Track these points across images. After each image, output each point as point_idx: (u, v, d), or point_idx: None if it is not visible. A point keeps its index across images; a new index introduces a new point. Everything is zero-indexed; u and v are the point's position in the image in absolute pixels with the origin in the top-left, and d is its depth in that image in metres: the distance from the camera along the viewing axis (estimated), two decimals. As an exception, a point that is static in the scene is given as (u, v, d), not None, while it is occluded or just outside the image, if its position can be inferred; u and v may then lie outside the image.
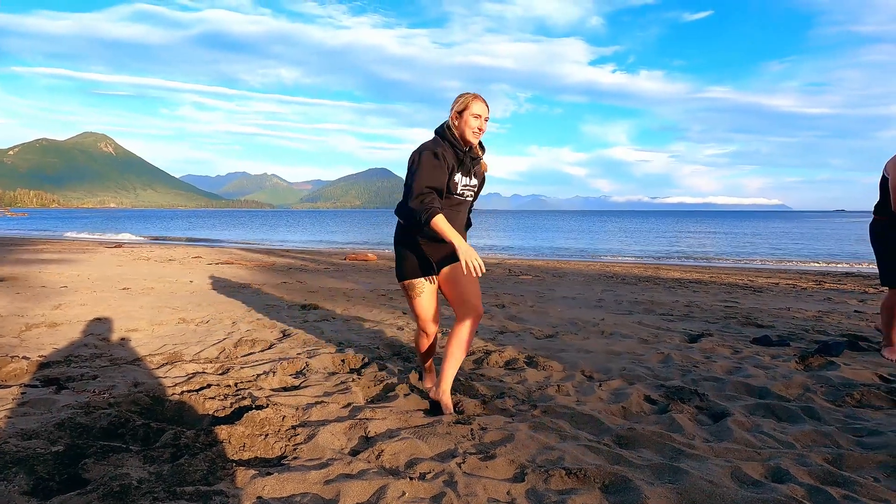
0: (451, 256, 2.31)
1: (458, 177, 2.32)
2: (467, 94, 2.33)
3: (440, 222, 2.10)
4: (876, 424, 2.19)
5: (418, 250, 2.34)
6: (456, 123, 2.32)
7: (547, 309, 5.44)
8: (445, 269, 2.37)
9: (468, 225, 2.53)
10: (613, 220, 78.54)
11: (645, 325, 4.59)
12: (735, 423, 2.18)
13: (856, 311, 5.71)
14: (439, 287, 2.42)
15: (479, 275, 2.09)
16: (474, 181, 2.41)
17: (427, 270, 2.36)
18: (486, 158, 2.47)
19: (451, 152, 2.30)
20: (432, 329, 2.50)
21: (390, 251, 17.99)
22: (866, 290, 8.47)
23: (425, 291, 2.39)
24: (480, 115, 2.29)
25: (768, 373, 2.98)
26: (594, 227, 47.21)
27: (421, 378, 2.77)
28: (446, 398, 2.33)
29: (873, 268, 14.10)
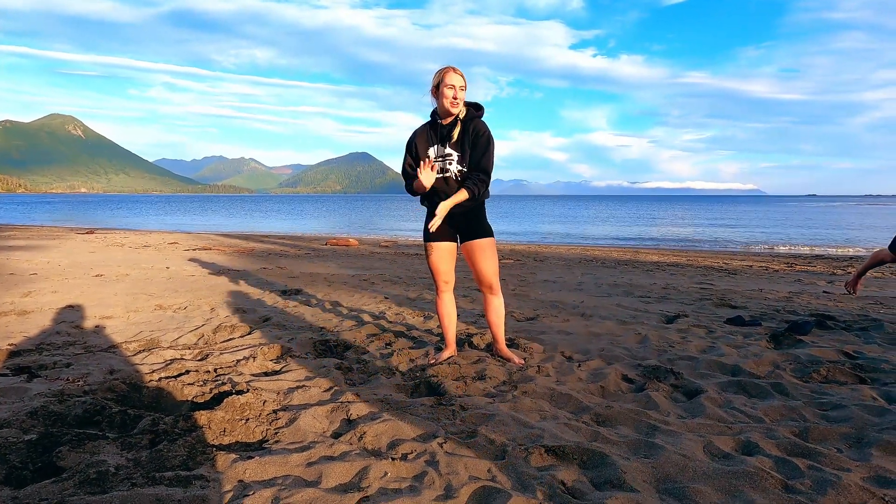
0: (458, 231, 2.73)
1: (431, 151, 2.63)
2: (441, 68, 2.54)
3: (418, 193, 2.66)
4: (840, 399, 2.28)
5: (428, 220, 2.65)
6: (435, 98, 2.57)
7: (528, 292, 5.50)
8: (465, 245, 2.74)
9: (473, 197, 2.56)
10: (594, 204, 79.43)
11: (623, 307, 4.67)
12: (708, 400, 2.25)
13: (824, 292, 5.91)
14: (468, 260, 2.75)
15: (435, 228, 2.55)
16: (450, 150, 2.59)
17: (431, 237, 2.72)
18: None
19: (425, 133, 2.65)
20: (442, 287, 2.83)
21: (372, 236, 17.86)
22: (834, 271, 8.78)
23: (433, 253, 2.76)
24: (455, 85, 2.49)
25: (740, 351, 3.08)
26: (574, 211, 47.65)
27: (437, 351, 2.96)
28: (504, 352, 2.85)
29: (842, 252, 14.61)
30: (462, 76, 2.51)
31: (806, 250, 14.76)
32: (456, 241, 2.79)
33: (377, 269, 7.41)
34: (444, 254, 2.76)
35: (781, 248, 15.74)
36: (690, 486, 1.55)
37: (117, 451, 1.73)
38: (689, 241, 18.10)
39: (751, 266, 9.49)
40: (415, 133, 2.68)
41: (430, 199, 2.67)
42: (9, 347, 2.92)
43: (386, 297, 4.88)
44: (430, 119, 2.66)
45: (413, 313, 4.19)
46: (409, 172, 2.65)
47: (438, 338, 3.36)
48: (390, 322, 3.84)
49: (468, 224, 2.70)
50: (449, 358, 2.83)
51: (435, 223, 2.53)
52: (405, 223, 28.00)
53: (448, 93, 2.49)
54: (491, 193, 2.76)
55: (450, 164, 2.58)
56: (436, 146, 2.61)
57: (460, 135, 2.57)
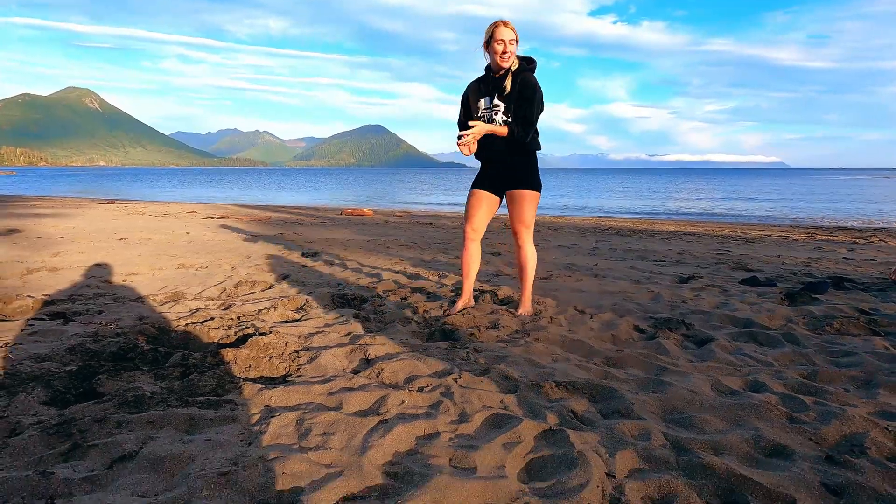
0: (503, 182, 2.79)
1: (481, 103, 2.73)
2: (492, 23, 2.60)
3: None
4: (852, 347, 2.30)
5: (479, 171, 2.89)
6: (487, 53, 2.66)
7: (543, 255, 5.51)
8: (509, 193, 2.80)
9: (515, 139, 2.66)
10: (611, 177, 78.09)
11: (637, 269, 4.68)
12: (718, 347, 2.29)
13: (844, 258, 5.83)
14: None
15: (463, 143, 2.63)
16: (497, 101, 2.68)
17: (476, 184, 2.87)
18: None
19: (477, 86, 2.75)
20: (469, 235, 2.89)
21: (387, 207, 17.92)
22: (856, 240, 8.60)
23: (471, 198, 2.88)
24: (504, 40, 2.56)
25: (754, 307, 3.09)
26: (590, 184, 46.97)
27: (451, 304, 3.00)
28: (525, 305, 2.89)
29: (867, 224, 14.22)
30: (513, 30, 2.57)
31: (828, 223, 14.44)
32: (498, 197, 2.85)
33: (392, 236, 7.48)
34: (481, 201, 2.84)
35: (803, 218, 15.41)
36: (697, 415, 1.60)
37: (151, 381, 1.84)
38: (707, 214, 17.81)
39: (769, 235, 9.35)
40: (468, 86, 2.79)
41: (480, 152, 2.80)
42: (43, 297, 3.07)
43: (401, 259, 4.96)
44: (484, 73, 2.74)
45: (428, 272, 4.26)
46: (460, 126, 2.79)
47: (453, 293, 3.43)
48: (406, 280, 3.92)
49: (516, 173, 2.76)
50: (464, 308, 2.90)
51: (466, 138, 2.61)
52: (420, 195, 27.97)
53: (498, 48, 2.57)
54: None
55: (496, 114, 2.67)
56: (485, 98, 2.71)
57: (511, 86, 2.63)
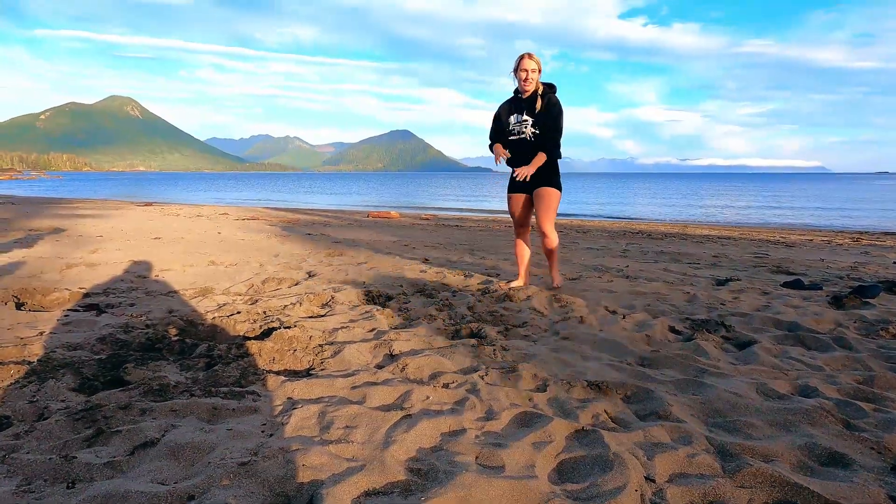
0: (532, 183, 3.31)
1: (511, 118, 3.32)
2: (519, 55, 3.22)
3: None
4: (912, 353, 2.12)
5: (513, 175, 3.37)
6: (515, 77, 3.24)
7: (571, 257, 5.40)
8: (535, 192, 3.36)
9: (548, 153, 3.24)
10: (640, 182, 76.47)
11: (671, 271, 4.51)
12: (762, 350, 2.15)
13: (895, 263, 5.49)
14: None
15: (523, 179, 3.21)
16: (526, 116, 3.25)
17: (511, 189, 3.49)
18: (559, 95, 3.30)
19: (509, 105, 3.35)
20: (517, 231, 3.60)
21: (413, 211, 17.97)
22: (907, 245, 8.12)
23: (511, 202, 3.52)
24: (527, 69, 3.18)
25: (798, 310, 2.91)
26: (619, 189, 46.08)
27: (510, 281, 3.63)
28: (557, 279, 3.56)
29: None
30: (536, 62, 3.18)
31: (875, 228, 13.72)
32: (529, 194, 3.42)
33: (418, 237, 7.46)
34: (517, 202, 3.49)
35: (849, 225, 14.70)
36: (742, 419, 1.49)
37: (177, 371, 1.84)
38: (742, 217, 17.19)
39: (811, 240, 8.94)
40: (501, 106, 3.43)
41: (512, 159, 3.35)
42: (80, 290, 3.15)
43: (426, 259, 4.92)
44: (512, 95, 3.35)
45: (454, 272, 4.20)
46: (491, 137, 3.46)
47: (479, 292, 3.36)
48: (432, 279, 3.87)
49: (540, 176, 3.31)
50: (519, 288, 3.39)
51: (521, 175, 3.21)
52: (446, 200, 27.98)
53: (521, 75, 3.20)
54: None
55: (525, 127, 3.26)
56: (515, 115, 3.31)
57: (541, 106, 3.22)
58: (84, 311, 2.69)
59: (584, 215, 19.11)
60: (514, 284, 3.50)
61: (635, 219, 16.26)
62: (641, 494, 1.14)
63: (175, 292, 3.21)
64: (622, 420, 1.52)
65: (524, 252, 3.59)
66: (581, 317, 2.71)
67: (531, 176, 3.27)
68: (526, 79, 3.18)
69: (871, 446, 1.36)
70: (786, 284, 3.80)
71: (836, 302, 3.16)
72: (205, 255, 4.90)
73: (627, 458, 1.25)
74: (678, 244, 7.53)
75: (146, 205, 15.91)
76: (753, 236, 9.65)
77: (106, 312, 2.64)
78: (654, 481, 1.19)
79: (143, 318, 2.55)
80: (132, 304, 2.82)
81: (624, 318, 2.71)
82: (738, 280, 4.01)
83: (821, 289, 3.67)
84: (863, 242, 8.62)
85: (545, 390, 1.72)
